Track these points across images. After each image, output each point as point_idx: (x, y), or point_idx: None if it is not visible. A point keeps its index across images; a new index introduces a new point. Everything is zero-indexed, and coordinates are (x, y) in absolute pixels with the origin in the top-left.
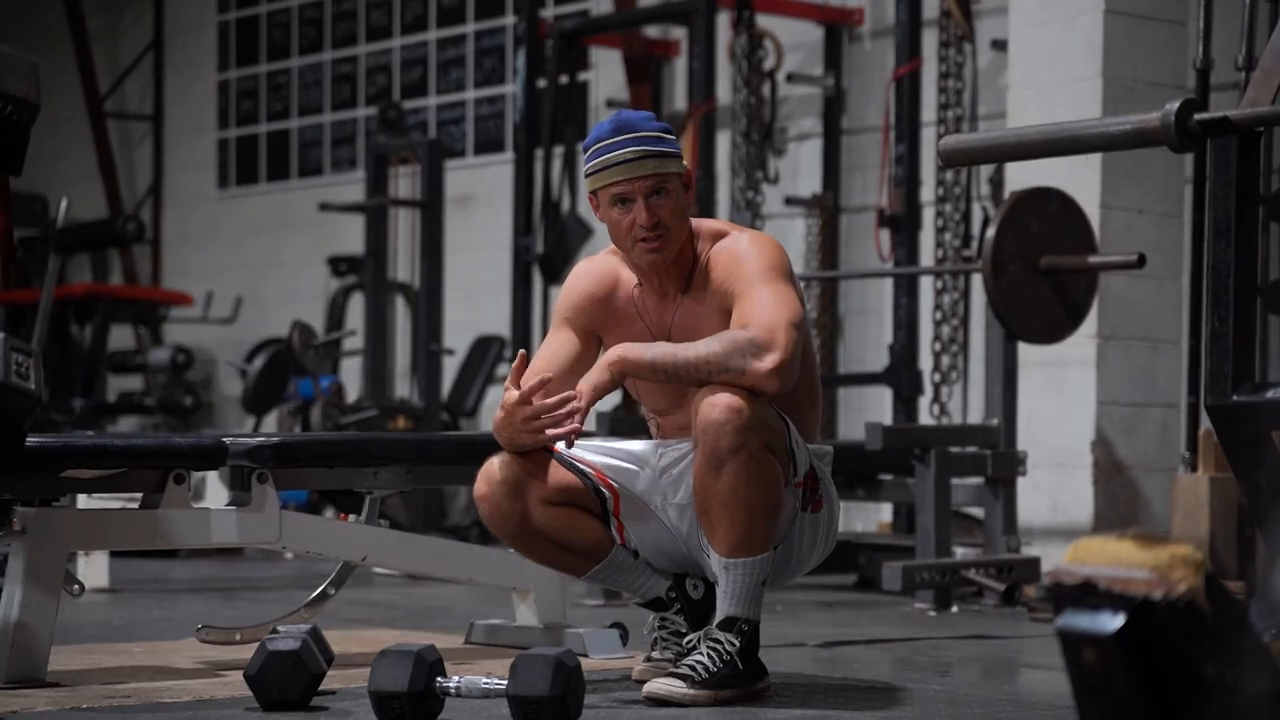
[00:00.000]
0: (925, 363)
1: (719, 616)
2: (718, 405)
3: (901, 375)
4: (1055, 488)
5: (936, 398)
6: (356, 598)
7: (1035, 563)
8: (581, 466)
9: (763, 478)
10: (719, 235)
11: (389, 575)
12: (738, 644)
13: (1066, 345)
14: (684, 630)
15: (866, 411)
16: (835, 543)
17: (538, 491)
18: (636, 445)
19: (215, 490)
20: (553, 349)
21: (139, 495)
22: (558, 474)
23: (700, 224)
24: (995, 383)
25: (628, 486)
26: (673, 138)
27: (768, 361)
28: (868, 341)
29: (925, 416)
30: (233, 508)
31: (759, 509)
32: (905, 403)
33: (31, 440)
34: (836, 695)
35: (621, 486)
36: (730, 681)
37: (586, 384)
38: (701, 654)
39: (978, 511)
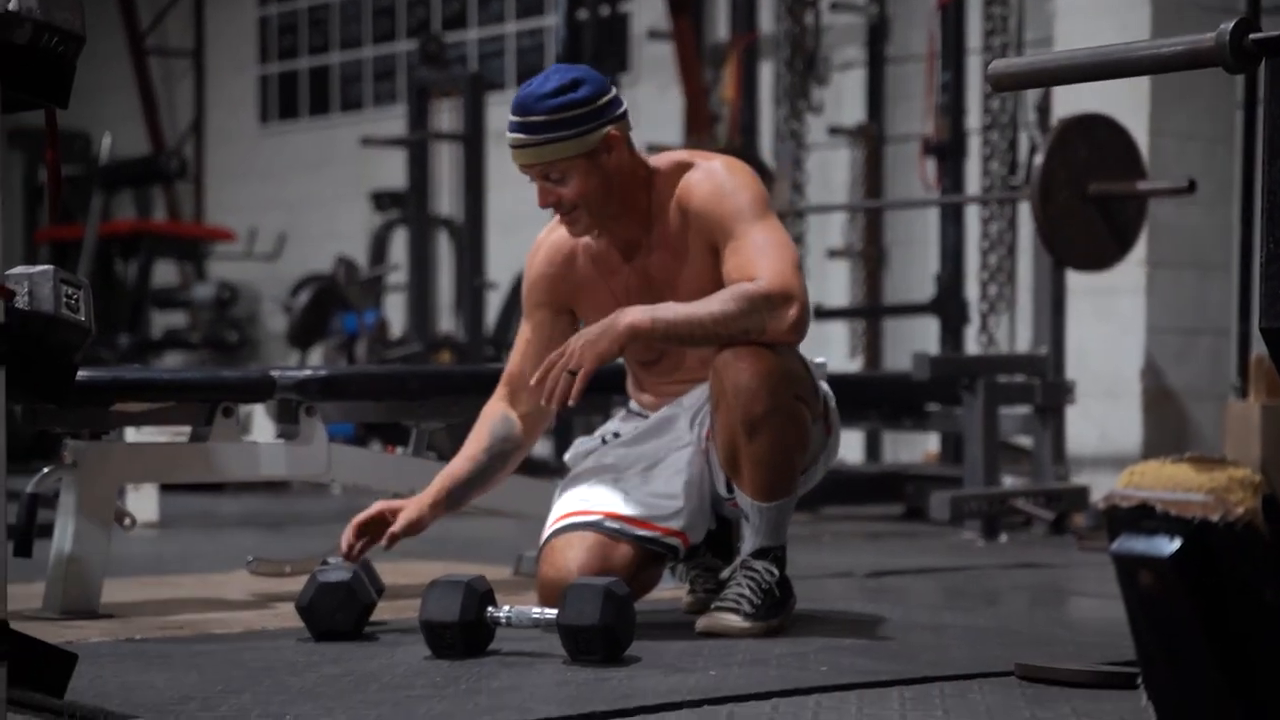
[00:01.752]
0: (972, 292)
1: (752, 547)
2: (745, 369)
3: (948, 305)
4: (1104, 416)
5: (984, 327)
6: None
7: (1084, 491)
8: (641, 533)
9: (795, 430)
10: (684, 168)
11: None
12: (776, 573)
13: (1115, 273)
14: (714, 564)
15: (913, 342)
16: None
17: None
18: (634, 456)
19: (262, 425)
20: (534, 338)
21: (187, 429)
22: (624, 554)
23: (659, 160)
24: (1043, 311)
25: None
26: (575, 112)
27: (789, 316)
28: (913, 272)
29: (972, 346)
30: (281, 441)
31: (792, 458)
32: (952, 333)
33: (81, 374)
34: (883, 625)
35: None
36: (775, 610)
37: (591, 351)
38: (743, 586)
39: (1025, 441)
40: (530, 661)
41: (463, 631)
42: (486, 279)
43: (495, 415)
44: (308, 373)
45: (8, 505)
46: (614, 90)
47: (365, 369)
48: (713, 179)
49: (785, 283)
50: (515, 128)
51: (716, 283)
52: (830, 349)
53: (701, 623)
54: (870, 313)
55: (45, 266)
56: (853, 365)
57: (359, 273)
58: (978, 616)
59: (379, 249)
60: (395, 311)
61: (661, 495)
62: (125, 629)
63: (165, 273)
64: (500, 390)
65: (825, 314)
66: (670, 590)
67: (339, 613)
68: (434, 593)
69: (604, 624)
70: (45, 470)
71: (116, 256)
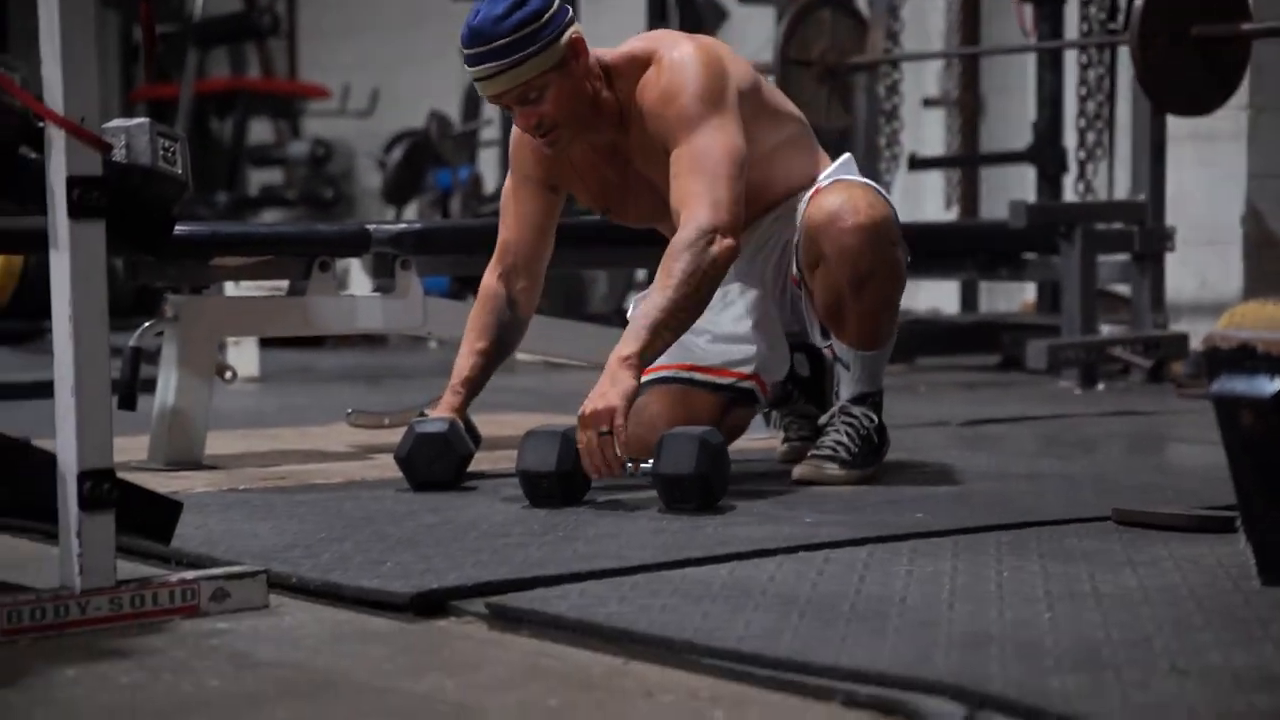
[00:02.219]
0: (1070, 140)
1: (851, 394)
2: (847, 231)
3: (1045, 153)
4: (1203, 263)
5: (1081, 175)
6: (500, 384)
7: (1183, 339)
8: (718, 380)
9: (896, 278)
10: (640, 64)
11: (530, 361)
12: (874, 419)
13: (1217, 117)
14: (809, 411)
15: (1009, 191)
16: None
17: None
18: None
19: (359, 281)
20: (524, 209)
21: (285, 285)
22: (705, 403)
23: (620, 57)
24: (1142, 158)
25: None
26: (534, 26)
27: (723, 243)
28: (1010, 120)
29: (1070, 195)
30: (377, 295)
31: (894, 305)
32: (1049, 181)
33: (179, 228)
34: (979, 473)
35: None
36: (871, 457)
37: (620, 401)
38: (840, 433)
39: (1124, 289)
40: (626, 511)
41: (559, 481)
42: None
43: (495, 300)
44: (403, 226)
45: (111, 360)
46: None
47: (460, 222)
48: (660, 80)
49: (712, 212)
50: (479, 59)
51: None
52: (925, 199)
53: (798, 471)
54: (966, 161)
55: (141, 119)
56: (948, 215)
57: (452, 128)
58: (1074, 464)
59: (472, 104)
60: (489, 167)
61: (731, 341)
62: (229, 480)
63: (260, 130)
64: (495, 266)
65: (920, 164)
66: (763, 440)
67: (437, 463)
68: (531, 443)
69: (699, 473)
70: (147, 324)
71: (212, 115)
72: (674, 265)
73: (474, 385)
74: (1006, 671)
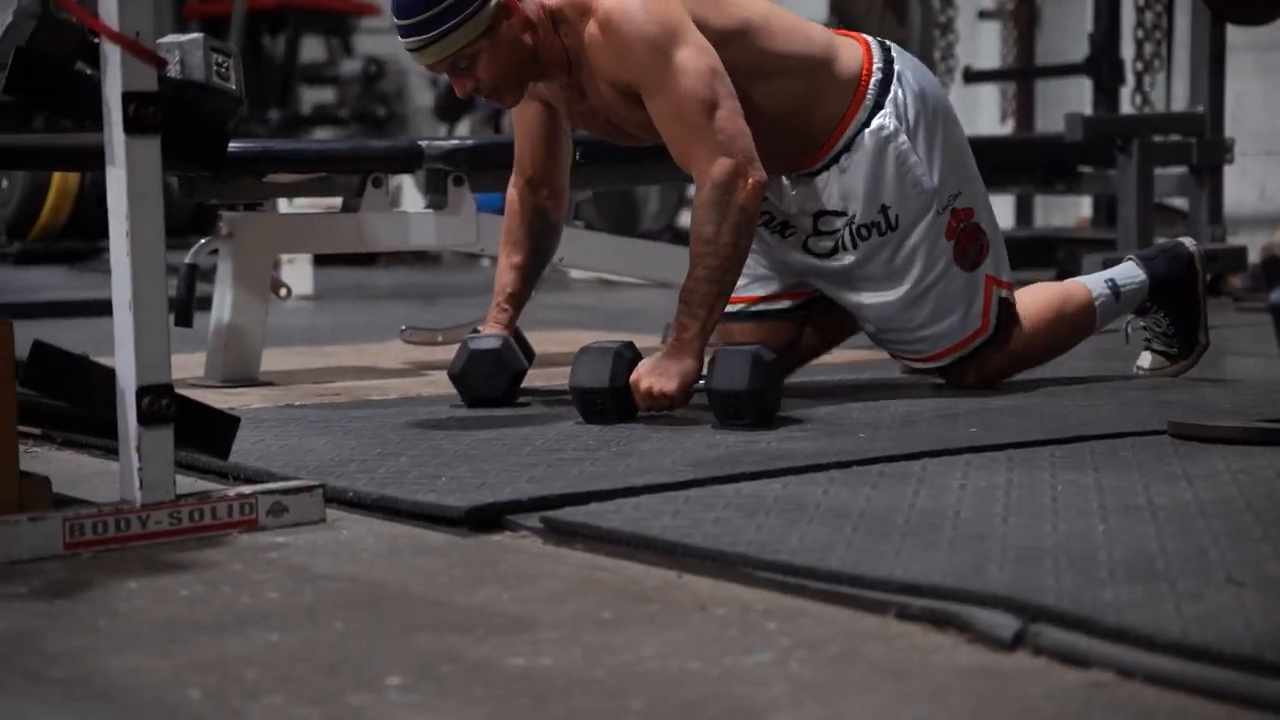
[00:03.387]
0: (1127, 51)
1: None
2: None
3: (1102, 64)
4: (1264, 175)
5: (1139, 87)
6: (553, 301)
7: (1241, 252)
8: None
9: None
10: (583, 11)
11: (584, 279)
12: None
13: (1276, 27)
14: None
15: (1065, 104)
16: None
17: None
18: None
19: (412, 200)
20: (528, 123)
21: (338, 202)
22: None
23: (564, 3)
24: (1201, 68)
25: None
26: (451, 2)
27: (745, 184)
28: (1067, 31)
29: (1126, 107)
30: (430, 211)
31: None
32: (1106, 93)
33: (233, 146)
34: (1033, 386)
35: None
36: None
37: (678, 387)
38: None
39: (1181, 203)
40: (679, 426)
41: (613, 397)
42: None
43: (524, 211)
44: (455, 143)
45: (167, 277)
46: None
47: (511, 139)
48: (606, 39)
49: (717, 174)
50: (407, 31)
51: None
52: (980, 112)
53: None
54: (1021, 74)
55: (195, 35)
56: (1003, 128)
57: None
58: (1130, 378)
59: None
60: None
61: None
62: (285, 396)
63: (313, 48)
64: (517, 178)
65: (975, 76)
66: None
67: (490, 379)
68: (584, 359)
69: (752, 389)
70: (202, 241)
71: (264, 32)
72: (704, 229)
73: (519, 299)
74: (1060, 584)
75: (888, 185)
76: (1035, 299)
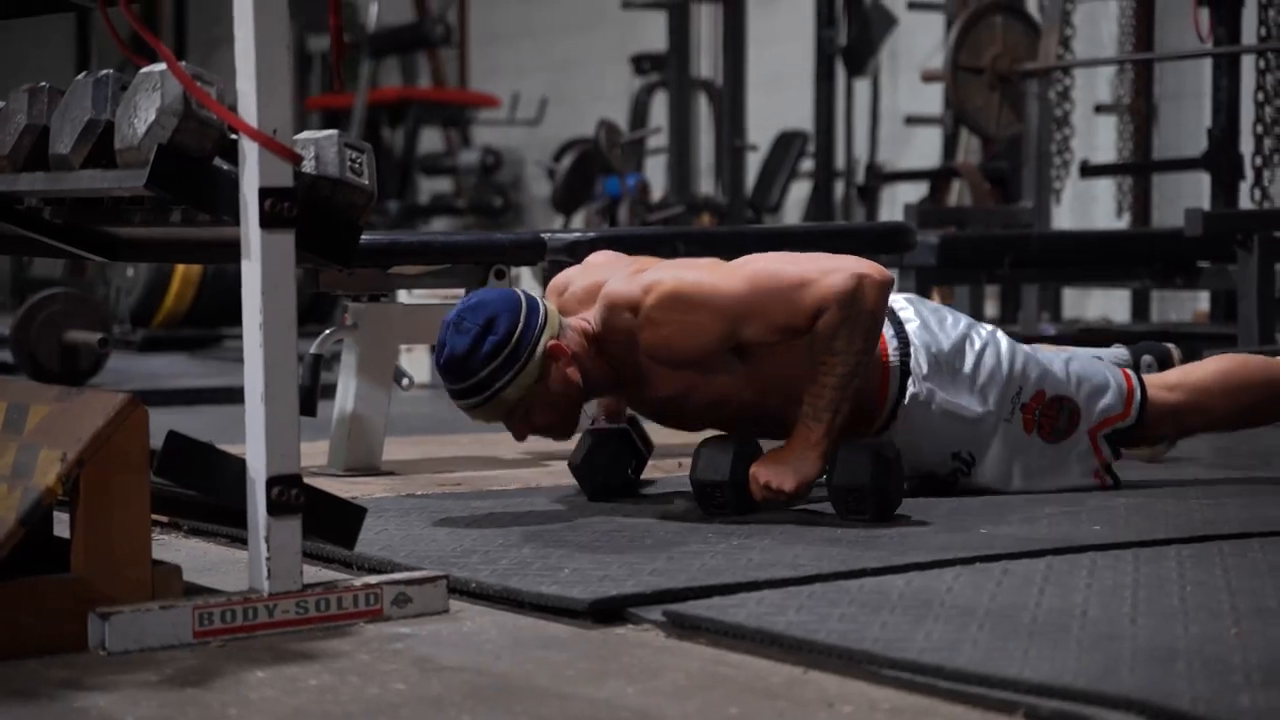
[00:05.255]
0: (1246, 146)
1: None
2: None
3: (1221, 159)
4: None
5: (1258, 181)
6: None
7: None
8: None
9: None
10: (626, 310)
11: None
12: None
13: None
14: None
15: (1181, 199)
16: None
17: None
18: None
19: (529, 288)
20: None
21: (459, 293)
22: None
23: (601, 326)
24: None
25: None
26: (506, 353)
27: (871, 289)
28: (1184, 126)
29: (1245, 202)
30: None
31: None
32: (1225, 188)
33: (362, 238)
34: (1154, 485)
35: None
36: None
37: (796, 486)
38: None
39: None
40: (800, 521)
41: (733, 490)
42: (746, 140)
43: None
44: (577, 234)
45: None
46: (523, 297)
47: (634, 230)
48: (672, 310)
49: (834, 286)
50: (457, 395)
51: (713, 358)
52: (1096, 206)
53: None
54: (1139, 169)
55: (330, 131)
56: (1120, 222)
57: (621, 136)
58: (1252, 475)
59: (640, 112)
60: (656, 174)
61: None
62: (407, 485)
63: (431, 139)
64: None
65: (1092, 170)
66: None
67: (611, 470)
68: (705, 452)
69: (875, 484)
70: (327, 332)
71: (384, 123)
72: (835, 343)
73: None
74: (1194, 688)
75: (947, 437)
76: (1206, 368)
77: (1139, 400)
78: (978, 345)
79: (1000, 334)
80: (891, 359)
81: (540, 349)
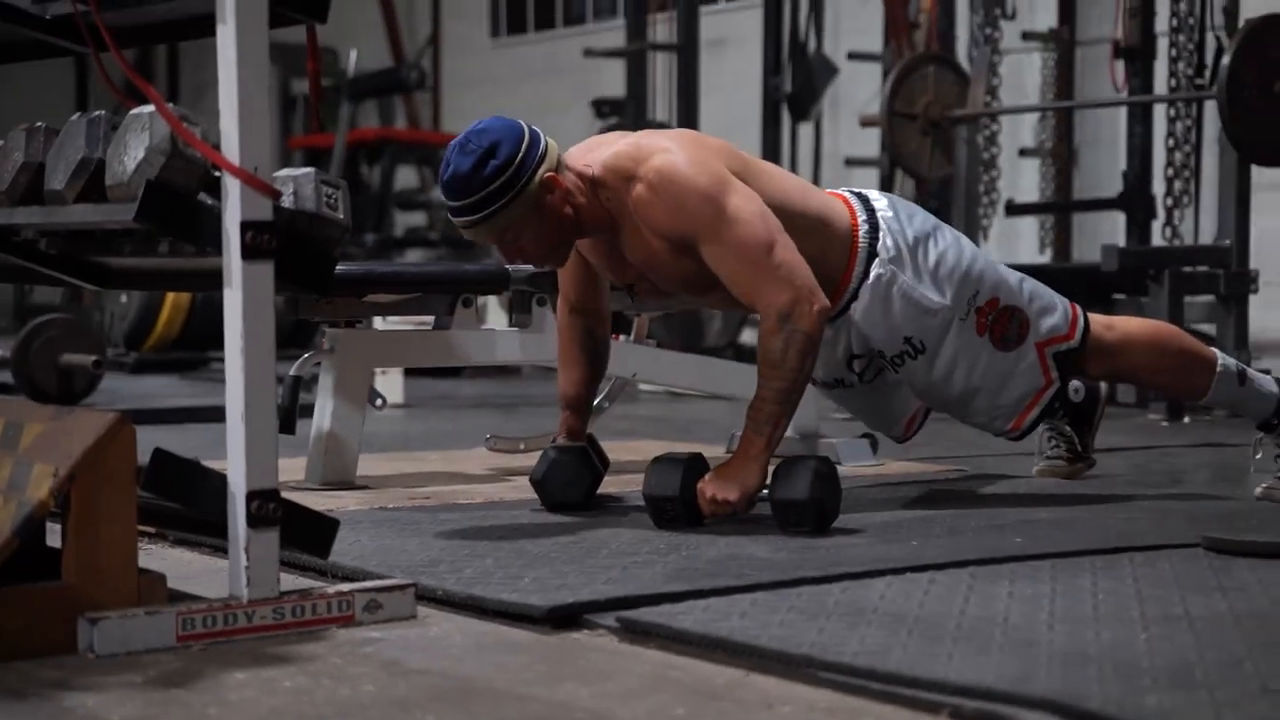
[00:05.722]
0: (1158, 188)
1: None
2: None
3: (1135, 200)
4: None
5: (1169, 221)
6: (625, 412)
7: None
8: None
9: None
10: (626, 175)
11: (653, 392)
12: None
13: None
14: (1068, 432)
15: (1100, 236)
16: None
17: None
18: None
19: (496, 315)
20: (571, 274)
21: (429, 320)
22: None
23: (603, 170)
24: (1228, 205)
25: None
26: (505, 177)
27: (808, 311)
28: (1101, 169)
29: (1158, 240)
30: (514, 329)
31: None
32: (1139, 226)
33: (338, 268)
34: (1075, 500)
35: None
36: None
37: (742, 498)
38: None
39: (1209, 329)
40: (744, 532)
41: (683, 505)
42: None
43: (574, 331)
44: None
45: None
46: (526, 129)
47: None
48: (658, 199)
49: (781, 304)
50: (457, 212)
51: (697, 265)
52: (1020, 242)
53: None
54: (1060, 208)
55: (307, 169)
56: (1042, 257)
57: None
58: (1164, 493)
59: None
60: None
61: None
62: (379, 499)
63: (406, 176)
64: (563, 304)
65: (1016, 209)
66: (871, 468)
67: (570, 486)
68: (656, 469)
69: (814, 498)
70: (306, 355)
71: (363, 162)
72: (771, 355)
73: (584, 408)
74: (1105, 690)
75: (903, 320)
76: (1144, 324)
77: (1082, 326)
78: (941, 244)
79: (965, 239)
80: (861, 240)
81: (538, 178)
